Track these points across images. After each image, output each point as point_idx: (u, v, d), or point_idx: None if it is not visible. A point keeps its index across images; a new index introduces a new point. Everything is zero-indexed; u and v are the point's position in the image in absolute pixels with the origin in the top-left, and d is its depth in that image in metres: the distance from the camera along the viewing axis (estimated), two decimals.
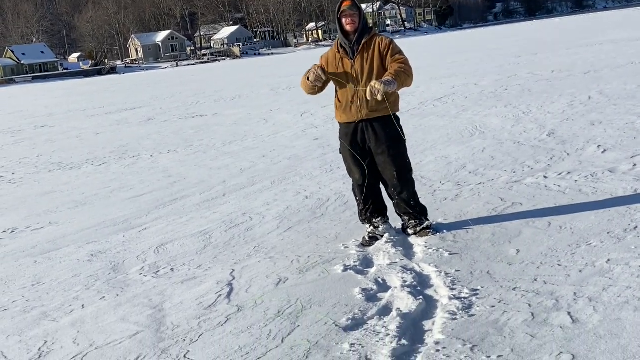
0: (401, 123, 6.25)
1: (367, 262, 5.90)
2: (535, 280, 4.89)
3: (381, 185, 6.48)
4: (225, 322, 4.87)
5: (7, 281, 6.56)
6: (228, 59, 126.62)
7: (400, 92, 6.18)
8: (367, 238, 6.45)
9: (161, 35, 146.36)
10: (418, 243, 6.18)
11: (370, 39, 6.11)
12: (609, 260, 5.07)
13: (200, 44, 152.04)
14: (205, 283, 5.80)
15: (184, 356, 4.37)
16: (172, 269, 6.31)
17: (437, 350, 3.97)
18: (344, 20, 6.12)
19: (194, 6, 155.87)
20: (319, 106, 19.50)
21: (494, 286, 4.88)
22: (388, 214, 6.56)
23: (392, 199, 6.44)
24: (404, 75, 5.88)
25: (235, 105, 25.06)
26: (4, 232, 8.76)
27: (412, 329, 4.41)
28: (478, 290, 4.85)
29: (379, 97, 5.77)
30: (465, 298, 4.72)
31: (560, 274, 4.95)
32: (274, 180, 10.06)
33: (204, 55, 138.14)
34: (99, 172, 13.22)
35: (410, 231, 6.43)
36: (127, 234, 7.87)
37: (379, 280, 5.39)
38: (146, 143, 16.81)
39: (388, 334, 4.31)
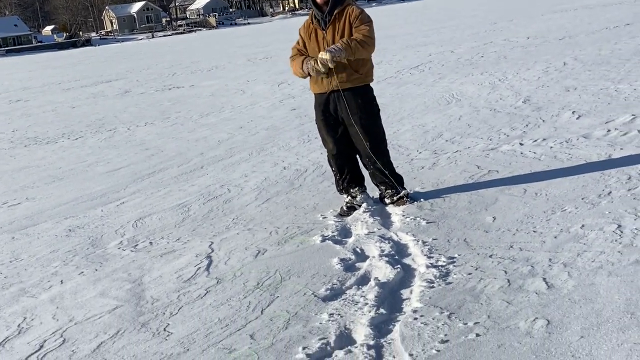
0: (378, 92, 6.26)
1: (345, 232, 5.93)
2: (511, 247, 4.94)
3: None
4: (205, 294, 4.89)
5: None
6: (204, 29, 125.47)
7: (376, 61, 6.18)
8: (344, 208, 6.47)
9: (136, 6, 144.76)
10: (395, 212, 6.22)
11: (342, 9, 6.08)
12: (583, 225, 5.14)
13: (176, 14, 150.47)
14: (184, 256, 5.81)
15: (164, 329, 4.39)
16: (150, 243, 6.31)
17: (415, 319, 4.02)
18: None
19: None
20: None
21: (471, 254, 4.93)
22: (365, 184, 6.59)
23: (367, 169, 6.46)
24: (357, 45, 5.85)
25: (212, 76, 24.92)
26: None
27: (390, 298, 4.46)
28: (455, 258, 4.89)
29: (331, 65, 5.84)
30: (442, 266, 4.77)
31: (536, 240, 5.00)
32: (252, 152, 10.05)
33: (180, 26, 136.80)
34: (75, 146, 13.14)
35: (387, 200, 6.46)
36: (105, 208, 7.85)
37: (357, 250, 5.42)
38: (123, 116, 16.70)
39: (366, 303, 4.35)
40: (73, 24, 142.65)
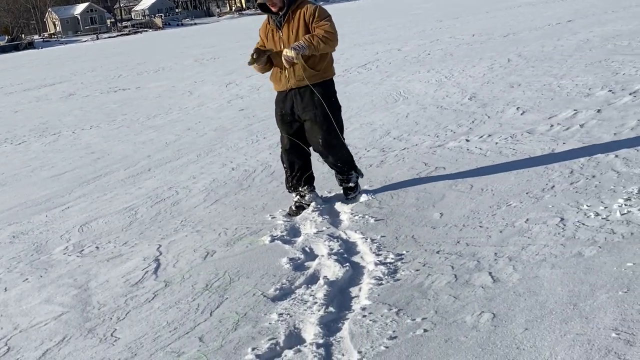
0: (335, 88, 6.30)
1: (294, 232, 5.93)
2: (458, 242, 5.00)
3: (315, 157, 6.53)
4: (153, 298, 4.85)
5: None
6: (150, 30, 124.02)
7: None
8: (293, 207, 6.48)
9: (79, 8, 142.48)
10: (344, 210, 6.24)
11: (296, 8, 6.08)
12: (527, 220, 5.22)
13: (121, 15, 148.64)
14: (131, 260, 5.75)
15: (111, 335, 4.34)
16: (97, 247, 6.23)
17: (364, 316, 4.04)
18: (267, 2, 6.08)
19: None
20: (243, 76, 19.37)
21: (419, 250, 4.98)
22: (315, 184, 6.60)
23: (331, 164, 6.53)
24: (319, 41, 5.86)
25: (159, 77, 24.68)
26: None
27: (339, 296, 4.47)
28: (403, 254, 4.93)
29: (296, 61, 5.84)
30: (390, 263, 4.80)
31: (482, 235, 5.07)
32: (200, 153, 9.99)
33: (125, 27, 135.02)
34: (18, 151, 12.90)
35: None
36: (50, 214, 7.72)
37: (306, 249, 5.43)
38: (67, 119, 16.44)
39: (316, 302, 4.36)
40: (15, 26, 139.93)
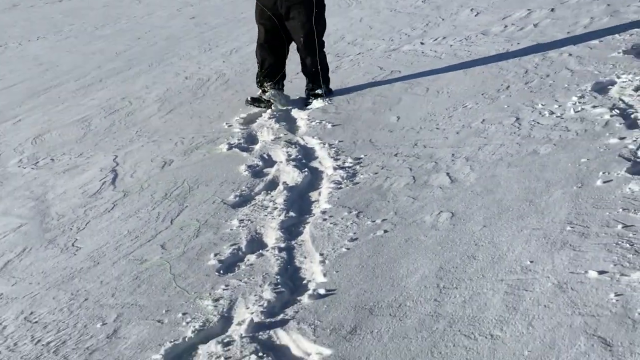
0: None
1: (251, 139, 5.91)
2: (416, 144, 5.03)
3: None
4: (112, 208, 4.83)
5: None
6: None
7: None
8: (249, 98, 6.58)
9: None
10: (301, 117, 6.22)
11: None
12: (483, 120, 5.26)
13: None
14: (88, 171, 5.69)
15: (72, 245, 4.33)
16: (52, 159, 6.14)
17: (324, 220, 4.08)
18: None
19: None
20: None
21: (377, 153, 5.00)
22: (284, 83, 6.69)
23: (300, 58, 6.58)
24: None
25: None
26: None
27: (299, 201, 4.50)
28: (361, 158, 4.95)
29: None
30: (349, 167, 4.82)
31: (439, 137, 5.11)
32: (152, 63, 9.79)
33: None
34: None
35: (305, 94, 6.62)
36: (1, 127, 7.57)
37: (264, 155, 5.42)
38: (13, 31, 15.91)
39: (276, 208, 4.38)
40: None
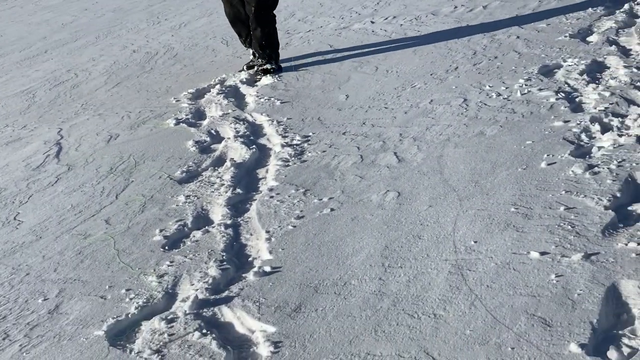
0: None
1: (199, 115, 5.85)
2: (364, 124, 5.04)
3: None
4: (56, 182, 4.75)
5: None
6: None
7: None
8: (244, 67, 6.73)
9: None
10: (250, 93, 6.18)
11: None
12: (431, 100, 5.29)
13: None
14: (31, 144, 5.58)
15: (14, 218, 4.25)
16: None
17: (271, 197, 4.07)
18: None
19: None
20: None
21: (325, 132, 5.00)
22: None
23: (250, 31, 6.60)
24: None
25: None
26: None
27: (247, 178, 4.48)
28: (309, 136, 4.95)
29: None
30: (297, 145, 4.81)
31: (387, 116, 5.12)
32: (99, 35, 9.61)
33: None
34: None
35: (252, 70, 6.60)
36: None
37: (212, 132, 5.38)
38: None
39: (223, 184, 4.36)
40: None
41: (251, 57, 6.77)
